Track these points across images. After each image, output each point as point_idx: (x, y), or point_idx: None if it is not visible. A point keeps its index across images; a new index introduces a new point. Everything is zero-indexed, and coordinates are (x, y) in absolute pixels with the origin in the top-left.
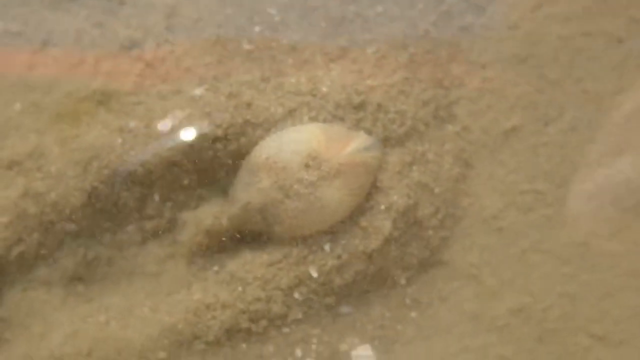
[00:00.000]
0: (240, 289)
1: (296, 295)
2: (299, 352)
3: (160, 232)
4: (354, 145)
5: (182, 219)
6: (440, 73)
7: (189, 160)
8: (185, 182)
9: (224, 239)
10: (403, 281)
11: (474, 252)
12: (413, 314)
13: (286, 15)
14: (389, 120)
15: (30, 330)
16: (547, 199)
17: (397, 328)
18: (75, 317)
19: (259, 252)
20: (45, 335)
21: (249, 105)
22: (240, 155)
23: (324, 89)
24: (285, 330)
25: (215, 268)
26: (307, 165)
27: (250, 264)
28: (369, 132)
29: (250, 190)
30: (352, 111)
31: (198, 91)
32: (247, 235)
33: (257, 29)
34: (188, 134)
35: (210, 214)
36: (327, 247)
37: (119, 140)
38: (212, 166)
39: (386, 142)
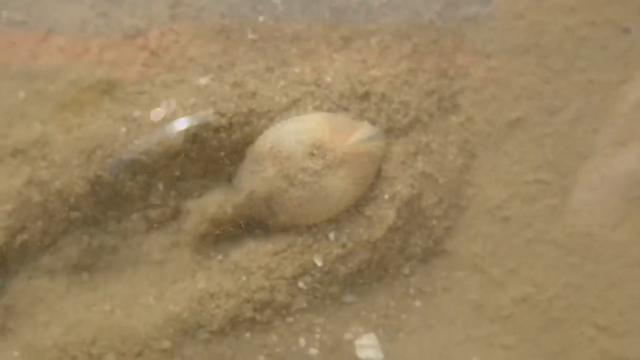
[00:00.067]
0: (244, 278)
1: (300, 284)
2: (302, 342)
3: (164, 220)
4: (358, 135)
5: (186, 208)
6: (444, 63)
7: (194, 149)
8: (190, 171)
9: (228, 227)
10: (407, 271)
11: (478, 242)
12: (417, 304)
13: (290, 4)
14: (393, 111)
15: (34, 319)
16: (551, 190)
17: (401, 317)
18: (80, 306)
19: (263, 241)
20: (49, 324)
21: (253, 94)
22: (245, 144)
23: (328, 79)
24: (289, 319)
25: (220, 257)
26: (311, 154)
27: (255, 253)
28: (373, 122)
29: (254, 179)
30: (356, 101)
31: (202, 80)
32: (252, 224)
33: (261, 18)
34: (186, 123)
35: (214, 203)
36: (331, 236)
37: (123, 130)
38: (216, 155)
39: (390, 132)
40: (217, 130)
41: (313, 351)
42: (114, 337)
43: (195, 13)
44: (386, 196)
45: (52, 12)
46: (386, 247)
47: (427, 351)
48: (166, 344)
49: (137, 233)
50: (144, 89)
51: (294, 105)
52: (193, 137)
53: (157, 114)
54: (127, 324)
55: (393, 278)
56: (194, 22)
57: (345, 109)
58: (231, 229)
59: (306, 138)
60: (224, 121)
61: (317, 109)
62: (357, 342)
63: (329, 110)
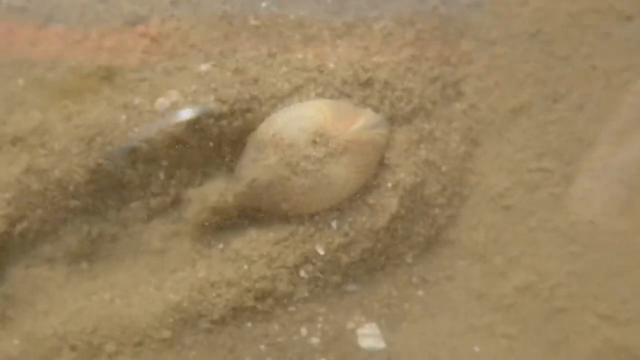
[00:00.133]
0: (245, 267)
1: (302, 273)
2: (304, 331)
3: (165, 209)
4: (361, 122)
5: (187, 196)
6: (447, 50)
7: (194, 137)
8: (191, 159)
9: (229, 216)
10: (410, 259)
11: (481, 231)
12: (420, 293)
13: None
14: (396, 98)
15: (33, 308)
16: (555, 177)
17: (403, 306)
18: (79, 295)
19: (265, 230)
20: (49, 313)
21: (255, 81)
22: (246, 131)
23: (331, 65)
24: (291, 308)
25: (221, 246)
26: (314, 142)
27: (256, 242)
28: (376, 110)
29: (256, 167)
30: (359, 88)
31: (204, 67)
32: (253, 212)
33: (263, 4)
34: (187, 111)
35: (215, 191)
36: (334, 224)
37: (124, 117)
38: (217, 143)
39: (393, 119)
40: (218, 117)
41: (315, 340)
42: (114, 326)
43: None
44: (389, 184)
45: None
46: (389, 235)
47: (430, 340)
48: (166, 333)
49: (138, 222)
50: (144, 76)
51: (296, 92)
52: (194, 124)
53: (159, 104)
54: (127, 313)
55: (395, 267)
56: (195, 9)
57: (348, 96)
58: (232, 217)
59: (308, 125)
60: (225, 108)
61: (320, 95)
62: (359, 332)
63: (331, 97)
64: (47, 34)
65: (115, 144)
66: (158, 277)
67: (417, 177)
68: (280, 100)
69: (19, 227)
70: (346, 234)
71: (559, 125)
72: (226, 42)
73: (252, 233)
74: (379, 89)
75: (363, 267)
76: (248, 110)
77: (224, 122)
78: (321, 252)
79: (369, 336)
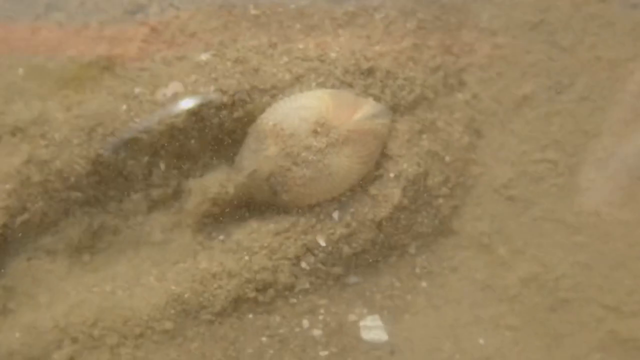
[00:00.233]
0: (246, 258)
1: (303, 264)
2: (306, 323)
3: (166, 200)
4: (362, 112)
5: (188, 187)
6: (449, 39)
7: (195, 128)
8: (191, 149)
9: (230, 207)
10: (413, 250)
11: (485, 222)
12: (423, 284)
13: None
14: (397, 87)
15: (35, 300)
16: (559, 168)
17: (406, 298)
18: (81, 287)
19: (266, 221)
20: (51, 305)
21: (256, 71)
22: (247, 122)
23: (332, 55)
24: (293, 300)
25: (222, 237)
26: (315, 132)
27: (257, 233)
28: (377, 99)
29: (256, 157)
30: (361, 77)
31: (204, 57)
32: (254, 203)
33: None
34: (187, 101)
35: (216, 182)
36: (335, 215)
37: (124, 107)
38: (218, 133)
39: (395, 109)
40: (218, 107)
41: (317, 332)
42: (116, 318)
43: None
44: (391, 175)
45: None
46: (391, 226)
47: (433, 332)
48: (168, 325)
49: (139, 213)
50: (144, 65)
51: (297, 82)
52: (194, 115)
53: (159, 94)
54: (129, 305)
55: (398, 258)
56: None
57: (350, 85)
58: (233, 208)
59: (310, 115)
60: (225, 98)
61: (321, 85)
62: (362, 324)
63: (332, 86)
64: (47, 23)
65: (116, 135)
66: (159, 269)
67: (420, 168)
68: (281, 90)
69: (20, 219)
70: (348, 225)
71: (563, 116)
72: (226, 31)
73: (253, 224)
74: (381, 78)
75: (365, 258)
76: (249, 100)
77: (225, 113)
78: (322, 243)
79: (372, 328)
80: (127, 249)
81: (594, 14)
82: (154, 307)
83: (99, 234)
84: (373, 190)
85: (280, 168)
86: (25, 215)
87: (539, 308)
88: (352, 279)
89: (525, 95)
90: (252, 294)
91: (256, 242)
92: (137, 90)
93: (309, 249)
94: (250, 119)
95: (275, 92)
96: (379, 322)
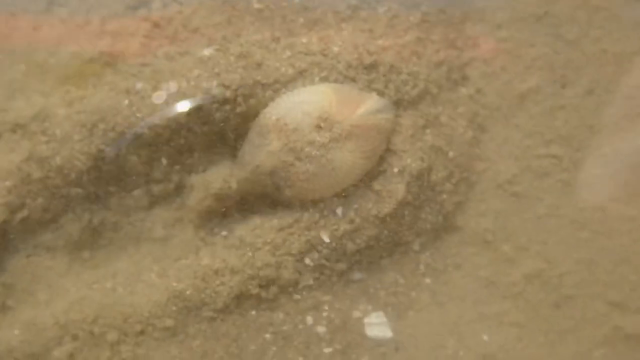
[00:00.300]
0: (249, 254)
1: (307, 261)
2: (310, 320)
3: (167, 196)
4: (366, 106)
5: (190, 183)
6: (453, 33)
7: (197, 123)
8: (194, 145)
9: (233, 203)
10: (417, 247)
11: (489, 218)
12: (427, 281)
13: None
14: (401, 82)
15: (35, 297)
16: (563, 164)
17: (410, 295)
18: (81, 284)
19: (269, 217)
20: (51, 302)
21: (259, 65)
22: (250, 117)
23: (335, 49)
24: (296, 296)
25: (224, 233)
26: (318, 127)
27: (260, 229)
28: (381, 94)
29: (259, 152)
30: (364, 71)
31: (207, 52)
32: (257, 199)
33: None
34: (192, 99)
35: (219, 178)
36: (339, 211)
37: (126, 102)
38: (221, 128)
39: (399, 104)
40: (221, 102)
41: (321, 329)
42: (116, 315)
43: None
44: (395, 170)
45: None
46: (395, 222)
47: (437, 329)
48: (169, 322)
49: (140, 209)
50: (146, 61)
51: (300, 76)
52: (197, 110)
53: (162, 89)
54: (130, 301)
55: (402, 254)
56: None
57: (353, 80)
58: (236, 204)
59: (313, 110)
60: (228, 93)
61: (324, 79)
62: (366, 320)
63: (336, 81)
64: (49, 19)
65: (117, 130)
66: (161, 265)
67: (424, 163)
68: (284, 84)
69: (20, 216)
70: (351, 221)
71: (568, 110)
72: (229, 26)
73: (256, 220)
74: (384, 73)
75: (369, 254)
76: (251, 95)
77: (227, 108)
78: (326, 239)
79: (376, 325)
80: (128, 245)
81: (599, 6)
82: (155, 304)
83: (99, 230)
84: (377, 185)
85: (283, 163)
86: (25, 212)
87: (543, 304)
88: (356, 275)
89: (529, 89)
90: (255, 291)
91: (259, 238)
92: (139, 85)
93: (313, 245)
94: (253, 113)
95: (278, 86)
96: (383, 319)
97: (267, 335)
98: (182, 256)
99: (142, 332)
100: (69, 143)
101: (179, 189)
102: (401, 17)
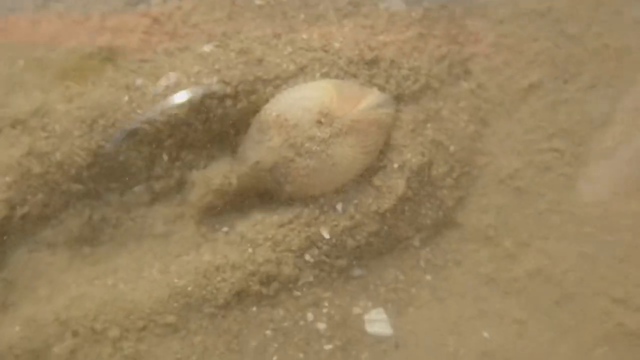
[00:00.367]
0: (250, 250)
1: (307, 257)
2: (310, 316)
3: (168, 192)
4: (366, 102)
5: (191, 179)
6: (455, 28)
7: (198, 119)
8: (194, 141)
9: (233, 199)
10: (417, 243)
11: (490, 213)
12: (427, 277)
13: None
14: (402, 77)
15: (35, 293)
16: (565, 158)
17: (411, 291)
18: (82, 280)
19: (270, 213)
20: (51, 298)
21: (259, 61)
22: (251, 113)
23: (336, 45)
24: (297, 293)
25: (225, 229)
26: (318, 122)
27: (261, 225)
28: (382, 89)
29: (260, 148)
30: (365, 67)
31: (207, 48)
32: (257, 195)
33: None
34: (190, 93)
35: (219, 174)
36: (339, 207)
37: (126, 98)
38: (221, 124)
39: (399, 99)
40: (222, 99)
41: (321, 326)
42: (117, 311)
43: None
44: (395, 165)
45: None
46: (395, 218)
47: (438, 326)
48: (171, 318)
49: (141, 205)
50: (146, 57)
51: (301, 72)
52: (197, 106)
53: (162, 84)
54: (131, 298)
55: (402, 251)
56: None
57: (354, 76)
58: (236, 200)
59: (313, 105)
60: (229, 89)
61: (325, 75)
62: (366, 317)
63: (337, 76)
64: (47, 14)
65: (117, 126)
66: (162, 261)
67: (424, 158)
68: (284, 80)
69: (20, 212)
70: (352, 217)
71: (570, 105)
72: (230, 22)
73: (257, 216)
74: (385, 68)
75: (369, 250)
76: (252, 91)
77: (228, 104)
78: (326, 235)
79: (376, 321)
80: (129, 241)
81: (601, 2)
82: (157, 300)
83: (100, 226)
84: (377, 181)
85: (284, 159)
86: (26, 208)
87: (544, 301)
88: (357, 271)
89: (531, 84)
90: (255, 287)
91: (260, 234)
92: (138, 81)
93: (313, 242)
94: (253, 109)
95: (279, 82)
96: (383, 316)
97: (268, 332)
98: (183, 252)
99: (143, 329)
100: (69, 139)
101: (180, 185)
102: (402, 12)
